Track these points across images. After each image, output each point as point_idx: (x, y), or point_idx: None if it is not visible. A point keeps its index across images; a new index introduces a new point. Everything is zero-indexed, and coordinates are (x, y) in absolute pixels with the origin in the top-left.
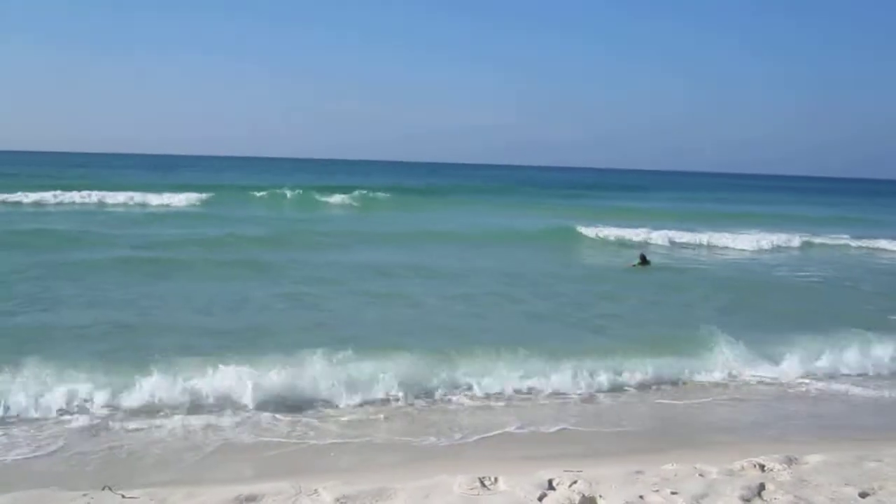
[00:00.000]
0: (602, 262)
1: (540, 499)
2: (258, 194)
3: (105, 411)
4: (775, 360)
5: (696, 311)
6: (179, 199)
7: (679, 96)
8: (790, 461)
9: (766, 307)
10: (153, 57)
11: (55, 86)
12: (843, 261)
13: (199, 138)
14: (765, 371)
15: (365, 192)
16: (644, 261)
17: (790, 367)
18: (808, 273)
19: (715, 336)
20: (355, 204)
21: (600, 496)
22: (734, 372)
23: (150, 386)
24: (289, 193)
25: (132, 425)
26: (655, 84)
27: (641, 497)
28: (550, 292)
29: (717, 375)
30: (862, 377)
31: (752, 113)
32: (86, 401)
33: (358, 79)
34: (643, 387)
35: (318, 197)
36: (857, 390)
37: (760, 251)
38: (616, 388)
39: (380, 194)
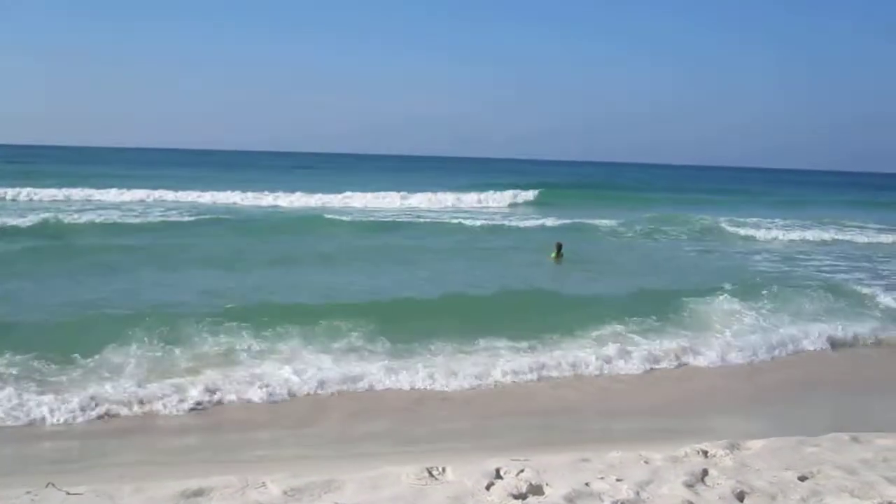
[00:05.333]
0: None
1: (487, 487)
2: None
3: None
4: None
5: None
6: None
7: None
8: (733, 447)
9: None
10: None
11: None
12: None
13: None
14: None
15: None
16: (559, 252)
17: None
18: None
19: None
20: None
21: (547, 484)
22: None
23: None
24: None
25: None
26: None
27: (587, 484)
28: None
29: None
30: None
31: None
32: None
33: (313, 71)
34: None
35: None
36: None
37: None
38: None
39: None
